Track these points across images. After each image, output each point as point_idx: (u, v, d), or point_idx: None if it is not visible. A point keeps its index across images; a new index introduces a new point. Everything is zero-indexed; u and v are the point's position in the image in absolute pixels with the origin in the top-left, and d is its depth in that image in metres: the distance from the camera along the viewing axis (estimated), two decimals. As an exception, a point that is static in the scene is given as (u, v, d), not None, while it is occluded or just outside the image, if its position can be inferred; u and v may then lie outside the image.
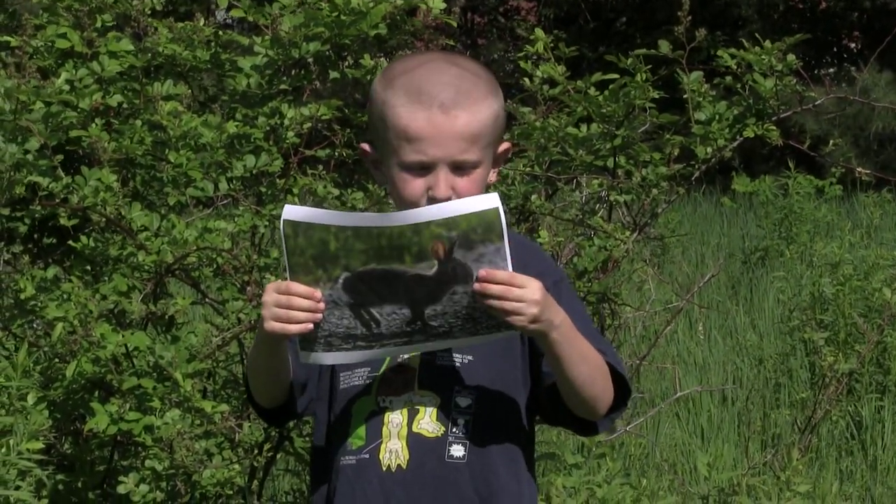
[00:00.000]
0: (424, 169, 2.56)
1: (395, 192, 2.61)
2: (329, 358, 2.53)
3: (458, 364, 2.62)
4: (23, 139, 4.13)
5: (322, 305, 2.46)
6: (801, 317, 7.91)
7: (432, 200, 2.55)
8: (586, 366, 2.56)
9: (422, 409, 2.60)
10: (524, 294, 2.44)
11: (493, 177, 2.68)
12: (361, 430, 2.62)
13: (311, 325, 2.47)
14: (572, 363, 2.54)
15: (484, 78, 2.61)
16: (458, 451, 2.60)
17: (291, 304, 2.46)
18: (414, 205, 2.56)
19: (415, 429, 2.60)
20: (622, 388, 2.63)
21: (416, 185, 2.57)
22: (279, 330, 2.48)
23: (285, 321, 2.47)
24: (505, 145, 2.69)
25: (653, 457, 6.63)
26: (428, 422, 2.60)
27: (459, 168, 2.56)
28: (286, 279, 2.48)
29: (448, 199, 2.54)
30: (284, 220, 2.43)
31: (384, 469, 2.60)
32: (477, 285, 2.43)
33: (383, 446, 2.60)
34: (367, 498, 2.60)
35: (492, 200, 2.40)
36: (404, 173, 2.58)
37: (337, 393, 2.66)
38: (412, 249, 2.41)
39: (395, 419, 2.61)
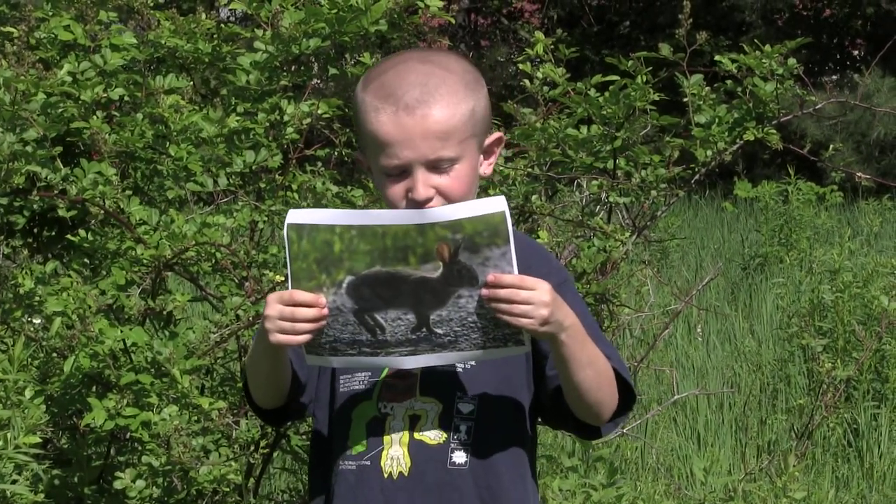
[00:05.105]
0: (403, 172, 2.52)
1: (382, 197, 2.59)
2: (335, 361, 2.50)
3: (460, 369, 2.59)
4: (21, 129, 4.12)
5: (326, 312, 2.42)
6: (799, 323, 7.90)
7: (412, 203, 2.51)
8: (593, 370, 2.53)
9: (423, 415, 2.58)
10: (532, 296, 2.40)
11: (486, 169, 2.62)
12: (362, 436, 2.59)
13: (316, 334, 2.43)
14: (580, 367, 2.51)
15: (457, 72, 2.55)
16: (460, 457, 2.58)
17: (296, 315, 2.42)
18: (397, 209, 2.52)
19: (416, 436, 2.58)
20: (626, 393, 2.60)
21: (396, 190, 2.53)
22: (284, 342, 2.44)
23: (290, 333, 2.43)
24: (495, 135, 2.63)
25: (649, 460, 6.63)
26: (430, 428, 2.58)
27: (436, 167, 2.52)
28: (287, 288, 2.43)
29: (428, 200, 2.51)
30: (288, 225, 2.38)
31: (386, 476, 2.57)
32: (485, 290, 2.39)
33: (384, 453, 2.58)
34: (368, 504, 2.58)
35: (498, 204, 2.35)
36: (384, 178, 2.54)
37: (337, 396, 2.63)
38: (417, 251, 2.38)
39: (397, 426, 2.58)
